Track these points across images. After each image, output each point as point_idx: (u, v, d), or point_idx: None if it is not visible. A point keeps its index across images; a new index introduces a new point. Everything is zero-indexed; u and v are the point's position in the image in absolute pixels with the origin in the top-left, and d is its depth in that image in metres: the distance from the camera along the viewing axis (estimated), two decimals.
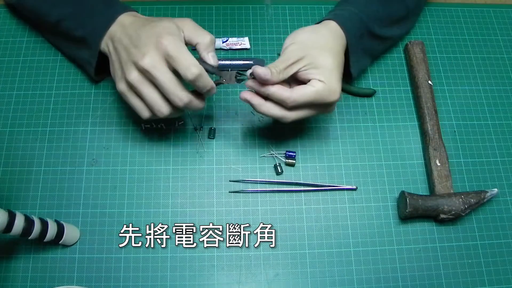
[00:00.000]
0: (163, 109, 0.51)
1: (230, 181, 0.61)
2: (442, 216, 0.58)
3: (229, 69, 0.55)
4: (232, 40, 0.69)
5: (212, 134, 0.63)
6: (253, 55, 0.69)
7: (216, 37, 0.69)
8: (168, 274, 0.56)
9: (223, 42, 0.68)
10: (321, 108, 0.55)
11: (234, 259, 0.57)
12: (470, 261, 0.59)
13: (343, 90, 0.67)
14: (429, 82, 0.66)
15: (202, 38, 0.53)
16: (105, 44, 0.56)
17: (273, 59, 0.69)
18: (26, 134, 0.62)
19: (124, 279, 0.55)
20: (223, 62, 0.66)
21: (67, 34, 0.60)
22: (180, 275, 0.56)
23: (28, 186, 0.59)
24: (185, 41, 0.53)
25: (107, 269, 0.56)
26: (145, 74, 0.50)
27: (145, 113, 0.53)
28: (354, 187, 0.61)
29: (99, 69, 0.61)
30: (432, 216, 0.59)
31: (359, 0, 0.63)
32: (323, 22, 0.60)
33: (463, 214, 0.58)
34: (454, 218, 0.58)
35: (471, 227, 0.60)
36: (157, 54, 0.49)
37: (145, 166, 0.61)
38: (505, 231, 0.61)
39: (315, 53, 0.53)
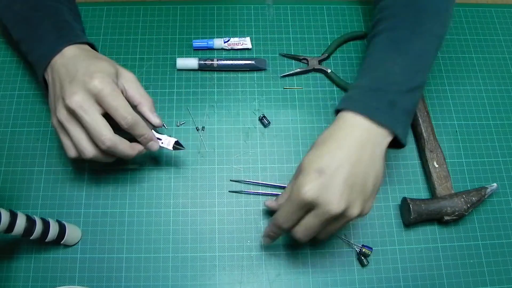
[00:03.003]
0: (87, 150, 0.50)
1: (231, 180, 0.61)
2: (446, 218, 0.57)
3: (170, 136, 0.57)
4: (233, 40, 0.69)
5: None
6: (254, 55, 0.69)
7: (217, 37, 0.69)
8: (169, 274, 0.56)
9: (224, 42, 0.68)
10: (318, 218, 0.46)
11: (236, 259, 0.57)
12: (471, 261, 0.59)
13: (344, 89, 0.67)
14: None
15: (146, 99, 0.53)
16: (46, 74, 0.54)
17: (274, 59, 0.69)
18: (27, 134, 0.62)
19: (125, 279, 0.55)
20: (225, 62, 0.66)
21: (24, 56, 0.60)
22: (182, 275, 0.56)
23: (30, 186, 0.59)
24: (123, 94, 0.52)
25: (109, 269, 0.56)
26: (72, 113, 0.49)
27: (70, 152, 0.51)
28: None
29: None
30: (436, 219, 0.59)
31: (368, 70, 0.54)
32: (339, 119, 0.50)
33: (466, 213, 0.58)
34: (458, 219, 0.58)
35: (472, 227, 0.60)
36: (87, 94, 0.48)
37: (146, 166, 0.61)
38: (507, 231, 0.61)
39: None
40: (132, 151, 0.52)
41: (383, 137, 0.48)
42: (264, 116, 0.64)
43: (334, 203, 0.44)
